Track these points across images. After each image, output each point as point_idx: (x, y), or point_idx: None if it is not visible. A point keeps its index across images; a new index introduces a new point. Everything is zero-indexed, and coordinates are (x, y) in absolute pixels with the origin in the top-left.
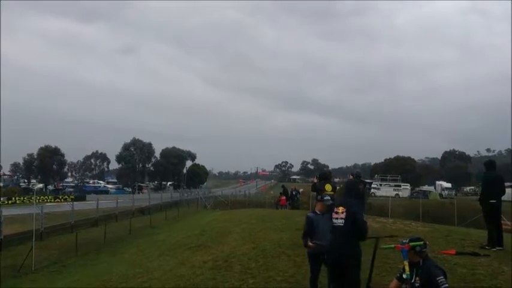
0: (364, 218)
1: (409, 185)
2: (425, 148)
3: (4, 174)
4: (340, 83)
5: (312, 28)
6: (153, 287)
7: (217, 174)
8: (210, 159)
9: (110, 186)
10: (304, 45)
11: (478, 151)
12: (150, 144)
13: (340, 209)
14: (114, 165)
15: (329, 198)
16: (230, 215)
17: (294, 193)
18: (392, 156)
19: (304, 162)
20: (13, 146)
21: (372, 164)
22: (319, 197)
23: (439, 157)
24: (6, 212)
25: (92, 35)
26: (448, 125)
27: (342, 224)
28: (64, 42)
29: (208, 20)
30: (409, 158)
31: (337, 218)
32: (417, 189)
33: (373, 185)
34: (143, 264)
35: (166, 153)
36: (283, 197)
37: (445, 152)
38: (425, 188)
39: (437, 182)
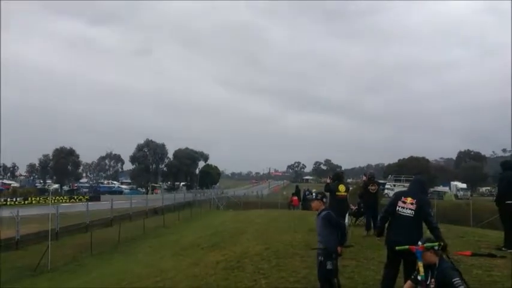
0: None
1: None
2: (439, 148)
3: (20, 175)
4: (353, 82)
5: (324, 28)
6: (166, 287)
7: (229, 174)
8: (222, 160)
9: (124, 186)
10: (317, 45)
11: (493, 151)
12: (163, 145)
13: (409, 199)
14: (128, 165)
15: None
16: (243, 215)
17: (306, 194)
18: (406, 157)
19: (316, 162)
20: (29, 147)
21: (386, 164)
22: (319, 196)
23: (454, 157)
24: (23, 212)
25: (106, 37)
26: (463, 125)
27: (412, 215)
28: (79, 44)
29: (220, 21)
30: (423, 158)
31: (404, 208)
32: (432, 190)
33: (386, 186)
34: (157, 264)
35: (179, 154)
36: (296, 198)
37: (460, 152)
38: (440, 188)
39: (452, 183)
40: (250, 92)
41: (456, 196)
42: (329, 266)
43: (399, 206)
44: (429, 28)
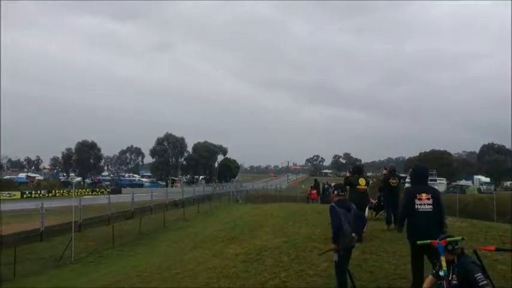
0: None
1: (445, 179)
2: (462, 141)
3: (44, 168)
4: (373, 75)
5: (344, 21)
6: (186, 278)
7: (248, 168)
8: (241, 154)
9: (144, 179)
10: (336, 38)
11: None
12: (182, 139)
13: (424, 195)
14: (148, 159)
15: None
16: (261, 208)
17: (326, 187)
18: (427, 150)
19: (335, 156)
20: (52, 140)
21: (406, 158)
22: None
23: (477, 151)
24: (47, 204)
25: (127, 33)
26: (486, 118)
27: (431, 210)
28: (101, 40)
29: (238, 15)
30: (445, 151)
31: (422, 204)
32: (454, 184)
33: (407, 180)
34: (177, 256)
35: (198, 147)
36: (314, 191)
37: (483, 146)
38: (463, 182)
39: (476, 177)
40: (270, 85)
41: (479, 190)
42: (334, 257)
43: (417, 204)
44: (451, 20)
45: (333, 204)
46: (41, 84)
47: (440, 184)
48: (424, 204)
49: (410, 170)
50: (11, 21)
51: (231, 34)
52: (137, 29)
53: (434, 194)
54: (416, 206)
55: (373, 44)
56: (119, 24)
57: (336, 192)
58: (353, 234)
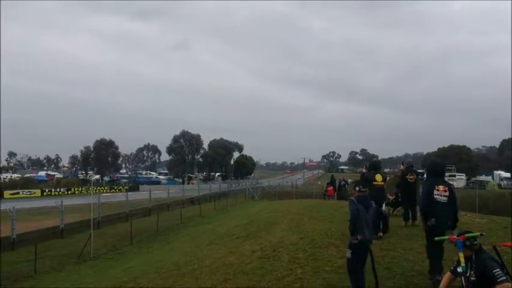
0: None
1: (464, 175)
2: (481, 136)
3: (64, 166)
4: (391, 71)
5: (362, 17)
6: (203, 274)
7: (264, 165)
8: (257, 150)
9: (161, 177)
10: (354, 34)
11: None
12: (198, 136)
13: (441, 187)
14: (165, 156)
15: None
16: (277, 205)
17: (342, 183)
18: (446, 145)
19: (352, 152)
20: (71, 139)
21: (424, 153)
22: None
23: (497, 145)
24: (66, 202)
25: (146, 32)
26: (507, 112)
27: (446, 201)
28: (120, 39)
29: (257, 12)
30: (464, 146)
31: (440, 195)
32: (473, 179)
33: (425, 175)
34: (194, 252)
35: (214, 144)
36: (331, 187)
37: (504, 141)
38: (483, 178)
39: (496, 172)
40: (286, 82)
41: (499, 186)
42: (347, 254)
43: (435, 195)
44: (471, 14)
45: (352, 198)
46: (60, 84)
47: (460, 180)
48: (442, 196)
49: (428, 164)
50: (30, 21)
51: (249, 32)
52: (156, 28)
53: (450, 188)
54: (435, 197)
55: (392, 40)
56: (138, 23)
57: (357, 188)
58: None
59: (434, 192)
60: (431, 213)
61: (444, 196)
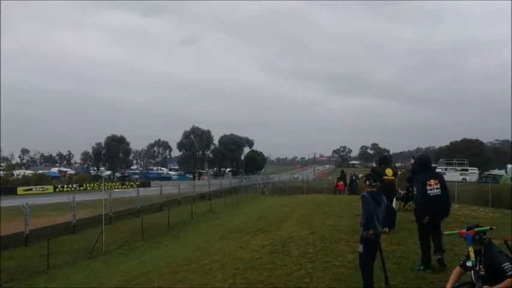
0: None
1: (477, 169)
2: (495, 130)
3: (76, 163)
4: (402, 64)
5: (372, 10)
6: (214, 269)
7: (274, 160)
8: (267, 146)
9: (172, 173)
10: (364, 27)
11: None
12: (209, 132)
13: (432, 181)
14: (175, 152)
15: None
16: (288, 200)
17: (353, 178)
18: (458, 139)
19: (363, 147)
20: (83, 135)
21: (436, 147)
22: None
23: (510, 139)
24: (79, 198)
25: (155, 28)
26: None
27: (439, 193)
28: (129, 35)
29: (265, 6)
30: (477, 140)
31: (432, 189)
32: (486, 173)
33: (437, 170)
34: (204, 247)
35: (224, 140)
36: (341, 182)
37: None
38: (496, 172)
39: (509, 166)
40: (296, 76)
41: None
42: (359, 248)
43: (428, 190)
44: (481, 7)
45: (365, 193)
46: (72, 81)
47: (472, 174)
48: (434, 189)
49: (414, 159)
50: (42, 19)
51: (257, 26)
52: (165, 24)
53: (441, 179)
54: (428, 192)
55: (402, 33)
56: (147, 19)
57: (367, 182)
58: (385, 229)
59: (427, 188)
60: (426, 207)
61: (436, 189)
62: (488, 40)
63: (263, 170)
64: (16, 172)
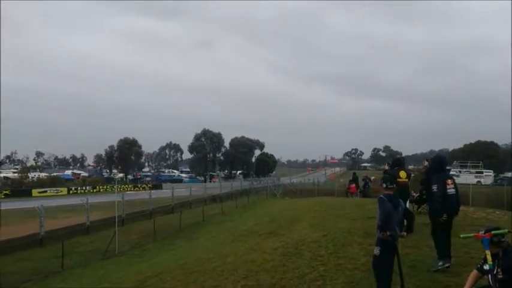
0: None
1: (492, 171)
2: (509, 132)
3: (89, 165)
4: (414, 66)
5: (383, 11)
6: (226, 271)
7: (285, 162)
8: (278, 148)
9: (183, 175)
10: (374, 28)
11: None
12: (219, 134)
13: (449, 181)
14: (187, 155)
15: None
16: (299, 203)
17: (366, 181)
18: (472, 141)
19: (375, 149)
20: (96, 138)
21: (450, 150)
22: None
23: None
24: (92, 200)
25: (168, 31)
26: None
27: (455, 192)
28: (142, 39)
29: (277, 9)
30: (491, 142)
31: (450, 188)
32: (501, 175)
33: (451, 172)
34: (216, 249)
35: (235, 142)
36: (353, 185)
37: None
38: (511, 174)
39: None
40: (307, 78)
41: None
42: (375, 251)
43: (448, 189)
44: (494, 7)
45: (382, 196)
46: (84, 84)
47: (487, 176)
48: (451, 189)
49: (431, 159)
50: (56, 22)
51: (269, 29)
52: (178, 27)
53: (454, 180)
54: (448, 191)
55: (415, 34)
56: (161, 22)
57: (384, 185)
58: (403, 233)
59: (447, 187)
60: (446, 205)
61: (453, 189)
62: (501, 40)
63: (274, 172)
64: (31, 174)
